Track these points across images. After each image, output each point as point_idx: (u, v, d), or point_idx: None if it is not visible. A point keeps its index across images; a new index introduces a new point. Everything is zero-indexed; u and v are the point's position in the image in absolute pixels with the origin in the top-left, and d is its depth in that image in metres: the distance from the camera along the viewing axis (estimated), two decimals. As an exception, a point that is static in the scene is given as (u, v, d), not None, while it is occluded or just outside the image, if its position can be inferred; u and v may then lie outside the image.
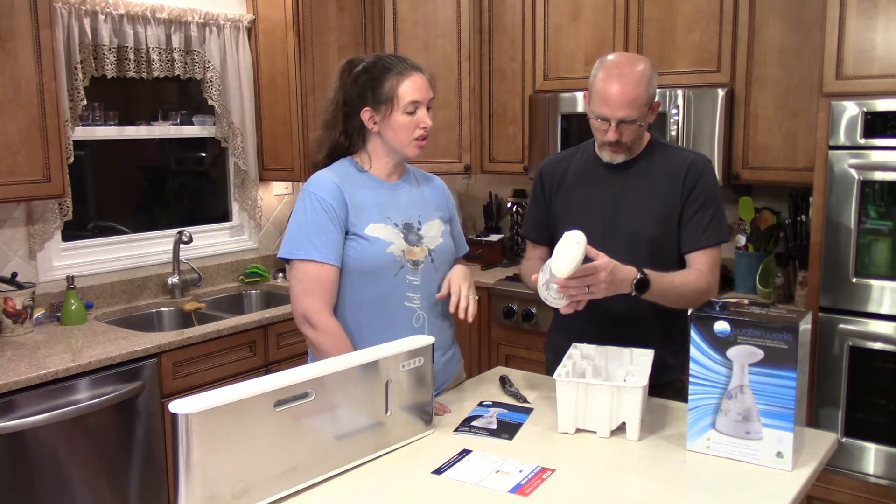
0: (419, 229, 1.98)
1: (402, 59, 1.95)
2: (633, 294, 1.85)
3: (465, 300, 1.91)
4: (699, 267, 2.02)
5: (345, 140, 1.99)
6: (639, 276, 1.84)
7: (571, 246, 1.73)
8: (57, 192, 2.78)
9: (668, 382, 2.06)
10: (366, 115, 1.93)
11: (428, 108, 1.95)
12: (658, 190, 2.05)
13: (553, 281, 1.78)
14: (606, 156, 2.04)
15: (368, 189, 1.96)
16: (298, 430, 1.49)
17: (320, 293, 1.88)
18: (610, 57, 1.99)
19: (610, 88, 1.92)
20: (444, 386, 2.06)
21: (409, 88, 1.90)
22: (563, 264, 1.72)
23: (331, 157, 2.01)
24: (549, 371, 2.15)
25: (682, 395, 2.09)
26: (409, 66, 1.93)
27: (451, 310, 1.93)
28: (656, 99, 2.01)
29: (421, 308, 1.96)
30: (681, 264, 2.05)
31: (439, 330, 2.01)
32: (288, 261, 1.92)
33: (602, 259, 1.79)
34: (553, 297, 1.81)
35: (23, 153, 2.66)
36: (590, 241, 2.05)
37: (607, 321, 2.04)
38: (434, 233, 2.01)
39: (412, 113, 1.91)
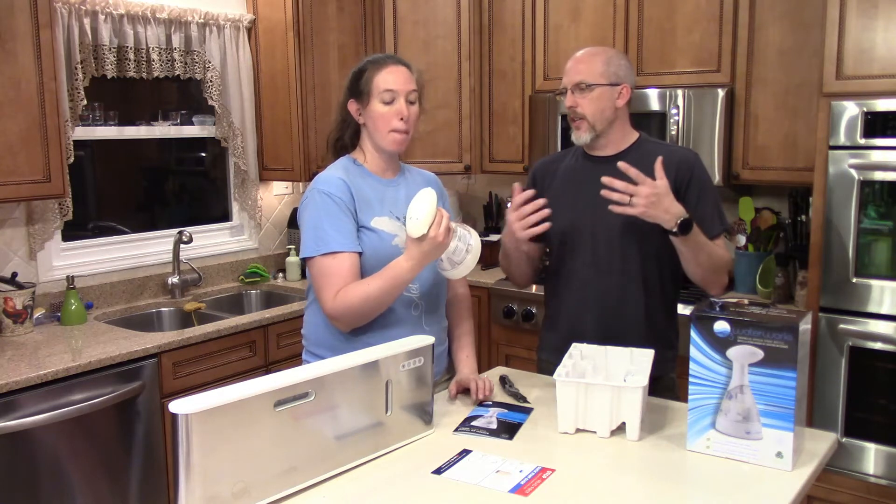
0: None
1: (390, 56, 2.02)
2: (674, 231, 1.87)
3: (483, 388, 1.97)
4: None
5: (336, 134, 2.06)
6: (686, 216, 1.86)
7: (422, 202, 1.77)
8: (57, 192, 2.78)
9: (657, 378, 2.04)
10: (352, 106, 2.00)
11: (412, 102, 1.97)
12: None
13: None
14: (574, 137, 2.11)
15: (369, 185, 2.00)
16: (298, 430, 1.49)
17: (340, 282, 1.87)
18: None
19: (567, 64, 2.11)
20: (437, 379, 2.07)
21: (385, 78, 1.95)
22: (418, 218, 1.76)
23: (334, 152, 2.08)
24: (542, 372, 2.17)
25: (673, 393, 2.10)
26: (393, 60, 1.99)
27: (474, 397, 1.96)
28: (626, 84, 2.07)
29: (419, 297, 2.01)
30: (674, 258, 2.04)
31: (435, 320, 2.06)
32: (306, 260, 1.94)
33: (659, 181, 1.85)
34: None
35: (23, 153, 2.66)
36: (579, 235, 2.11)
37: (598, 316, 2.08)
38: None
39: (389, 103, 1.94)
